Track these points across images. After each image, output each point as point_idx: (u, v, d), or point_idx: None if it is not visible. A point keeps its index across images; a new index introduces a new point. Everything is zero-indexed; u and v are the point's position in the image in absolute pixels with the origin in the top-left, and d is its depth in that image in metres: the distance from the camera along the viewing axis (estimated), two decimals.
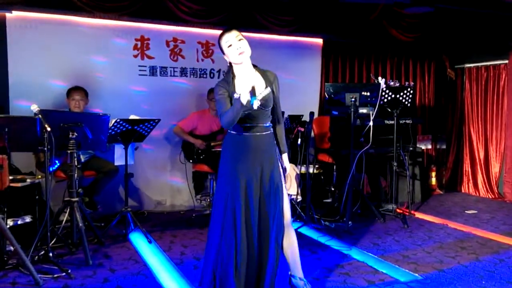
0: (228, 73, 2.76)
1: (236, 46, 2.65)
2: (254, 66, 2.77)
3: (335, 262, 3.58)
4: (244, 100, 2.49)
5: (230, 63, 2.75)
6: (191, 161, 5.01)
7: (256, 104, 2.49)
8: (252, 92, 2.52)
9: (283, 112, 3.27)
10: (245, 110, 2.58)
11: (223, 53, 2.74)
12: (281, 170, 2.81)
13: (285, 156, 2.92)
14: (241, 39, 2.67)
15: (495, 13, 5.58)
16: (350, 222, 4.57)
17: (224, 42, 2.68)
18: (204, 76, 5.44)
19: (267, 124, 2.77)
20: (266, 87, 2.68)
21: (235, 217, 2.67)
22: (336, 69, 6.15)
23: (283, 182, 2.80)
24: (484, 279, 3.26)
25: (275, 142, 2.83)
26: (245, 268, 2.65)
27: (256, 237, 2.68)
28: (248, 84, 2.52)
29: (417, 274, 3.34)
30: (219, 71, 5.50)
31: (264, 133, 2.75)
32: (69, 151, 3.58)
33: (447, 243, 4.13)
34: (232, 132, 2.77)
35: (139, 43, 5.09)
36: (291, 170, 4.68)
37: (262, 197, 2.70)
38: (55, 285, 3.10)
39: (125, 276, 3.27)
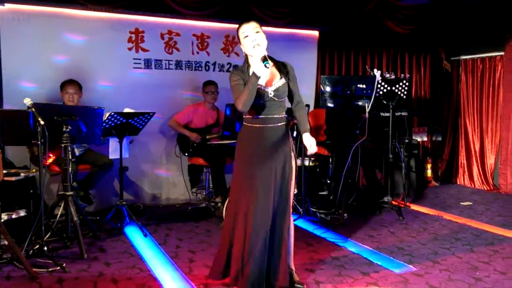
0: (244, 63, 2.84)
1: (252, 38, 2.71)
2: (270, 57, 2.78)
3: (331, 254, 3.58)
4: (257, 71, 2.58)
5: (247, 55, 2.81)
6: (186, 154, 5.00)
7: (269, 66, 2.60)
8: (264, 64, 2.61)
9: None
10: (260, 90, 2.67)
11: (239, 43, 2.81)
12: (293, 164, 2.85)
13: (306, 135, 2.87)
14: (258, 31, 2.73)
15: (491, 4, 5.56)
16: (345, 215, 4.57)
17: (242, 32, 2.75)
18: (200, 69, 5.42)
19: (281, 116, 2.82)
20: (281, 78, 2.79)
21: (248, 210, 2.72)
22: (332, 62, 6.14)
23: (293, 176, 2.85)
24: (479, 270, 3.28)
25: (289, 134, 2.88)
26: (259, 260, 2.70)
27: (269, 229, 2.74)
28: (260, 54, 2.61)
29: (411, 266, 3.35)
30: (214, 63, 5.47)
31: (278, 124, 2.80)
32: (63, 145, 3.57)
33: (442, 234, 4.14)
34: (246, 124, 2.83)
35: (133, 35, 5.05)
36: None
37: (275, 189, 2.76)
38: (50, 279, 3.09)
39: (120, 269, 3.27)
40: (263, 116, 2.76)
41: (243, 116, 2.85)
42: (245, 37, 2.73)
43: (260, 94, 2.71)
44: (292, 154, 2.86)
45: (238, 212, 2.77)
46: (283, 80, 2.80)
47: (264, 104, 2.74)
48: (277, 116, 2.79)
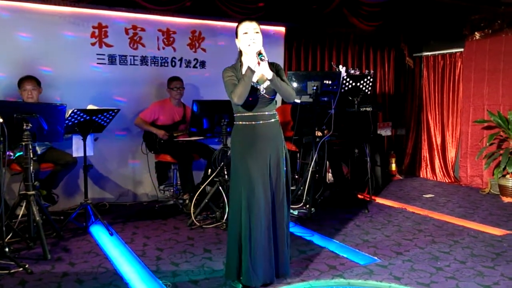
0: (237, 61, 2.91)
1: (250, 37, 2.78)
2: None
3: (298, 248, 3.63)
4: (252, 65, 2.67)
5: (240, 52, 2.88)
6: (153, 151, 4.95)
7: (265, 58, 2.69)
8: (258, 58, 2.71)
9: None
10: (252, 86, 2.75)
11: (236, 38, 2.87)
12: (288, 156, 2.98)
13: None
14: (258, 32, 2.82)
15: (451, 2, 5.74)
16: (313, 209, 4.63)
17: (242, 28, 2.82)
18: (166, 64, 5.35)
19: (273, 112, 2.90)
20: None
21: (249, 205, 2.77)
22: (298, 58, 6.18)
23: (289, 170, 2.99)
24: (440, 260, 3.40)
25: (281, 130, 2.95)
26: (267, 252, 2.81)
27: (271, 225, 2.83)
28: (255, 49, 2.72)
29: (376, 257, 3.44)
30: (180, 59, 5.42)
31: (269, 120, 2.88)
32: (23, 143, 3.46)
33: (405, 226, 4.26)
34: (238, 122, 2.89)
35: (96, 30, 4.93)
36: None
37: (272, 183, 2.85)
38: (12, 280, 3.00)
39: (85, 269, 3.21)
40: (254, 113, 2.84)
41: (234, 115, 2.92)
42: (244, 33, 2.80)
43: (252, 91, 2.79)
44: (285, 150, 2.96)
45: (240, 208, 2.81)
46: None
47: (255, 101, 2.83)
48: (268, 112, 2.88)
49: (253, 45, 2.76)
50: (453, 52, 6.39)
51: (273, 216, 2.87)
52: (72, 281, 3.01)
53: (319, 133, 5.00)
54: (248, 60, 2.76)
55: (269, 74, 2.75)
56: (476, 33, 5.98)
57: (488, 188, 5.66)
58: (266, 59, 2.72)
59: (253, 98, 2.82)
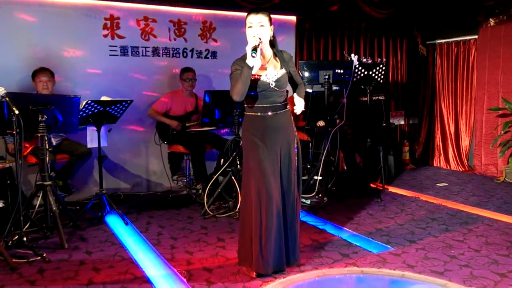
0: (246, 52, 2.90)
1: (254, 31, 2.76)
2: (272, 47, 2.91)
3: (311, 237, 3.65)
4: (249, 61, 2.66)
5: None
6: (166, 142, 4.98)
7: (255, 55, 2.64)
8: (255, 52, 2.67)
9: None
10: (262, 81, 2.77)
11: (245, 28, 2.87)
12: (299, 146, 2.99)
13: (297, 97, 2.94)
14: (263, 25, 2.78)
15: None
16: (325, 198, 4.64)
17: (248, 21, 2.80)
18: (177, 55, 5.37)
19: (283, 103, 2.90)
20: (281, 68, 2.87)
21: (259, 192, 2.77)
22: (310, 47, 6.15)
23: (300, 160, 2.99)
24: (453, 248, 3.39)
25: (292, 120, 2.96)
26: (277, 240, 2.81)
27: (281, 214, 2.84)
28: (251, 44, 2.67)
29: (389, 246, 3.44)
30: (192, 50, 5.43)
31: (279, 111, 2.87)
32: (39, 134, 3.52)
33: (419, 215, 4.25)
34: (248, 113, 2.90)
35: (108, 22, 4.96)
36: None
37: (283, 173, 2.87)
38: (30, 269, 3.07)
39: (101, 258, 3.27)
40: (264, 105, 2.84)
41: (244, 106, 2.93)
42: (249, 27, 2.79)
43: (262, 85, 2.80)
44: (296, 140, 2.96)
45: (251, 198, 2.83)
46: (284, 71, 2.87)
47: (265, 94, 2.83)
48: (278, 104, 2.87)
49: (253, 39, 2.71)
50: (467, 39, 6.30)
51: (284, 205, 2.88)
52: (89, 269, 3.06)
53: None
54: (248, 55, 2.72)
55: (301, 104, 2.85)
56: (490, 19, 5.88)
57: (503, 176, 5.61)
58: (258, 54, 2.67)
59: (263, 91, 2.82)
